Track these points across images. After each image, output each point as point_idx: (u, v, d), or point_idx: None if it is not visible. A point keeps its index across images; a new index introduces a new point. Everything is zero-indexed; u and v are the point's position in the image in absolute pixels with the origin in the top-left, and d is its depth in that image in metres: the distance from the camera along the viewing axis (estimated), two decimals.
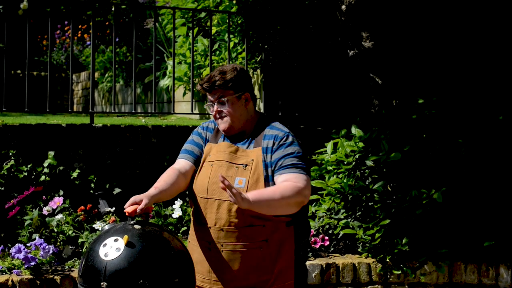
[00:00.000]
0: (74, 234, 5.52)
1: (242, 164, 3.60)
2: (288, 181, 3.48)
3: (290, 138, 3.62)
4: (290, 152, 3.57)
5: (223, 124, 3.69)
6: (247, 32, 7.50)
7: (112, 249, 3.12)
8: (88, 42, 14.95)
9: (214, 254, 3.58)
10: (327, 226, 5.92)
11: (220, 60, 8.21)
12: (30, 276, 4.88)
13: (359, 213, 5.78)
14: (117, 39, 12.07)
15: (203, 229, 3.62)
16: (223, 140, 3.74)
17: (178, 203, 5.89)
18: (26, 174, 6.06)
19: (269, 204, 3.40)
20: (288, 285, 3.64)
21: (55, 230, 5.47)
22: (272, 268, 3.58)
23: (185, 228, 5.85)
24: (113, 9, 8.48)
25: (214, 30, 8.39)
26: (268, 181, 3.55)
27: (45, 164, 6.14)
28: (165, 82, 9.53)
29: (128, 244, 3.11)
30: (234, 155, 3.64)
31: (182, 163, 3.73)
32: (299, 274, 3.74)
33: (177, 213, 5.85)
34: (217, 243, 3.56)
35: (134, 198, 3.35)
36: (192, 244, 3.72)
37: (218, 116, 3.70)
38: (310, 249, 5.68)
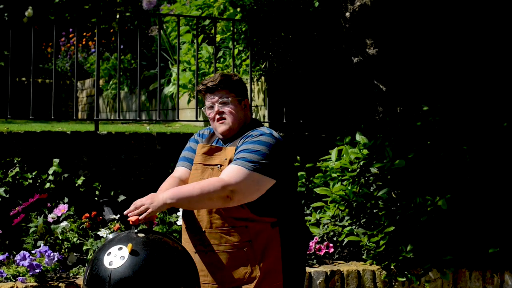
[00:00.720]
0: (79, 241, 5.53)
1: (216, 165, 3.60)
2: (224, 172, 3.47)
3: (261, 137, 3.56)
4: (249, 148, 3.52)
5: (222, 126, 3.69)
6: (252, 39, 7.51)
7: (116, 258, 3.13)
8: (93, 50, 14.98)
9: (200, 257, 3.60)
10: (332, 233, 5.93)
11: (225, 67, 8.22)
12: (35, 284, 4.88)
13: (364, 220, 5.78)
14: (121, 47, 12.09)
15: (188, 233, 3.67)
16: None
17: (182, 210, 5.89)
18: (31, 181, 6.07)
19: (189, 200, 3.41)
20: (276, 286, 3.61)
21: (60, 238, 5.48)
22: (257, 269, 3.56)
23: None
24: (117, 16, 8.49)
25: (218, 37, 8.41)
26: None
27: (50, 172, 6.15)
28: (169, 89, 9.54)
29: (132, 253, 3.12)
30: (207, 157, 3.65)
31: (181, 170, 3.76)
32: (296, 278, 3.72)
33: (181, 221, 5.85)
34: (200, 245, 3.59)
35: (135, 203, 3.38)
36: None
37: (218, 117, 3.69)
38: (314, 257, 5.69)
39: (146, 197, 3.41)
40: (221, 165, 3.58)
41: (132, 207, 3.40)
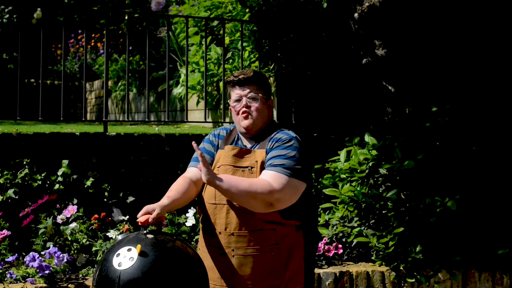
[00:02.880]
0: (88, 242, 5.53)
1: (247, 167, 3.59)
2: (267, 178, 3.46)
3: (292, 142, 3.58)
4: (284, 154, 3.53)
5: (246, 121, 3.68)
6: (260, 40, 7.51)
7: (125, 259, 3.13)
8: (102, 51, 15.01)
9: (225, 260, 3.58)
10: (341, 234, 5.92)
11: (233, 68, 8.22)
12: (44, 285, 4.89)
13: (373, 221, 5.77)
14: (130, 48, 12.09)
15: (213, 235, 3.62)
16: (235, 145, 3.74)
17: (191, 212, 5.89)
18: (40, 182, 6.08)
19: (234, 187, 3.39)
20: None
21: (69, 239, 5.49)
22: (283, 272, 3.58)
23: (198, 236, 5.85)
24: (126, 18, 8.50)
25: (227, 38, 8.41)
26: None
27: (59, 173, 6.16)
28: (178, 90, 9.54)
29: (141, 254, 3.12)
30: (238, 159, 3.63)
31: (193, 171, 3.72)
32: (308, 280, 3.74)
33: (190, 222, 5.85)
34: (227, 248, 3.56)
35: (146, 208, 3.36)
36: (202, 251, 3.71)
37: (244, 110, 3.68)
38: (323, 257, 5.68)
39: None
40: (251, 167, 3.58)
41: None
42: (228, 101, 3.82)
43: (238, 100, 3.72)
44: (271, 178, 3.44)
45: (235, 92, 3.73)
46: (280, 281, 3.58)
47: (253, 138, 3.73)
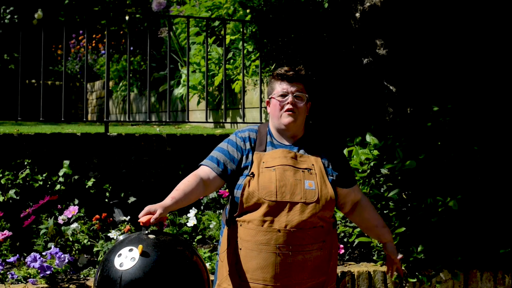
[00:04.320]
0: (89, 243, 5.53)
1: (306, 169, 3.65)
2: (362, 198, 3.98)
3: (341, 151, 3.94)
4: (349, 166, 3.93)
5: (289, 118, 3.70)
6: (261, 40, 7.51)
7: (127, 259, 3.12)
8: (103, 51, 15.02)
9: (283, 258, 3.55)
10: (342, 234, 5.91)
11: (234, 68, 8.22)
12: (46, 285, 4.89)
13: None
14: (131, 48, 12.11)
15: (269, 233, 3.56)
16: (272, 148, 3.74)
17: (193, 212, 5.88)
18: (41, 183, 6.08)
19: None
20: (332, 286, 3.74)
21: (70, 239, 5.49)
22: (327, 269, 3.65)
23: (200, 236, 5.85)
24: (127, 18, 8.48)
25: (228, 38, 8.41)
26: (332, 184, 3.70)
27: (60, 173, 6.16)
28: (179, 90, 9.55)
29: (143, 254, 3.12)
30: (295, 160, 3.67)
31: (206, 171, 3.68)
32: None
33: (192, 222, 5.85)
34: (285, 246, 3.54)
35: (148, 208, 3.34)
36: (248, 251, 3.61)
37: (289, 107, 3.69)
38: None
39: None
40: (310, 169, 3.66)
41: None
42: (272, 94, 3.79)
43: (283, 95, 3.72)
44: (359, 193, 3.97)
45: (282, 87, 3.73)
46: (324, 278, 3.64)
47: (292, 138, 3.79)
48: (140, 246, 3.14)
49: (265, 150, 3.72)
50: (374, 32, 6.91)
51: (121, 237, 3.35)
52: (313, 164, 3.66)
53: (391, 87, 6.95)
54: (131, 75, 11.80)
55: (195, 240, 5.84)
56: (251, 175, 3.62)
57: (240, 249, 3.65)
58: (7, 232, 5.48)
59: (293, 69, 3.72)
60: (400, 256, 4.05)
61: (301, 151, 3.73)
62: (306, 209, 3.54)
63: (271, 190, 3.57)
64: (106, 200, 6.28)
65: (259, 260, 3.56)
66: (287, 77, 3.70)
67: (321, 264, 3.61)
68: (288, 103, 3.69)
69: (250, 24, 7.95)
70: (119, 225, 5.74)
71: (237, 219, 3.68)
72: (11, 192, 5.91)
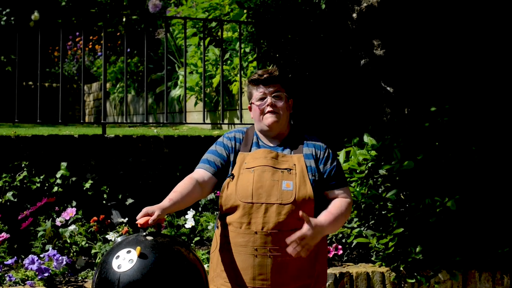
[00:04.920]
0: (87, 245, 5.53)
1: (286, 169, 3.61)
2: (342, 197, 3.71)
3: (330, 149, 3.77)
4: (335, 165, 3.73)
5: (271, 118, 3.69)
6: (258, 41, 7.50)
7: (125, 261, 3.12)
8: (100, 53, 15.02)
9: (261, 260, 3.55)
10: (340, 235, 5.91)
11: (231, 69, 8.22)
12: None
13: (372, 221, 5.76)
14: (128, 50, 12.10)
15: (247, 236, 3.57)
16: (256, 148, 3.74)
17: (191, 213, 5.88)
18: (39, 185, 6.07)
19: (338, 227, 3.66)
20: None
21: (68, 241, 5.48)
22: (312, 271, 3.61)
23: (198, 238, 5.85)
24: (124, 19, 8.48)
25: (225, 36, 8.40)
26: (314, 184, 3.61)
27: (58, 175, 6.16)
28: (176, 92, 9.54)
29: (141, 256, 3.11)
30: (275, 160, 3.64)
31: (201, 173, 3.69)
32: None
33: (190, 223, 5.84)
34: (263, 248, 3.53)
35: (146, 210, 3.34)
36: (229, 254, 3.65)
37: (269, 109, 3.69)
38: None
39: (308, 230, 3.48)
40: (290, 169, 3.62)
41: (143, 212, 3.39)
42: (252, 99, 3.80)
43: (262, 99, 3.73)
44: (344, 193, 3.73)
45: (259, 91, 3.74)
46: (310, 281, 3.61)
47: (277, 138, 3.77)
48: (138, 248, 3.13)
49: (250, 151, 3.73)
50: (371, 33, 6.91)
51: (119, 239, 3.34)
52: (294, 164, 3.63)
53: (388, 88, 6.95)
54: (128, 76, 11.80)
55: (193, 241, 5.84)
56: (231, 177, 3.64)
57: (224, 250, 3.69)
58: (4, 234, 5.48)
59: (267, 71, 3.72)
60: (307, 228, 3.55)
61: (285, 151, 3.71)
62: (282, 210, 3.52)
63: (248, 192, 3.57)
64: (104, 202, 6.27)
65: (239, 261, 3.59)
66: (262, 80, 3.71)
67: (305, 267, 3.58)
68: (267, 105, 3.70)
69: (247, 25, 7.95)
70: (117, 227, 5.74)
71: (220, 220, 3.72)
72: (9, 194, 5.91)
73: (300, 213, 3.42)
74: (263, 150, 3.69)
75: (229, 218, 3.64)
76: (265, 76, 3.70)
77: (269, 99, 3.70)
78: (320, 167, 3.68)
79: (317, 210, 3.59)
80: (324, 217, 3.53)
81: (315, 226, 3.43)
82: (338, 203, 3.64)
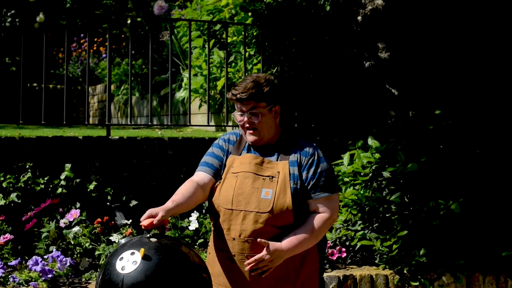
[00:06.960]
0: (91, 246, 5.53)
1: (268, 176, 3.59)
2: (321, 211, 3.60)
3: (318, 154, 3.66)
4: (320, 172, 3.62)
5: (252, 136, 3.67)
6: (263, 43, 7.50)
7: (129, 263, 3.11)
8: (104, 55, 15.03)
9: (238, 266, 3.56)
10: (344, 238, 5.91)
11: (236, 72, 8.22)
12: None
13: (376, 224, 5.76)
14: (132, 52, 12.10)
15: (226, 241, 3.59)
16: (247, 152, 3.72)
17: (194, 215, 5.88)
18: (43, 186, 6.07)
19: (305, 247, 3.57)
20: None
21: (72, 243, 5.48)
22: (295, 278, 3.59)
23: (202, 240, 5.85)
24: (129, 21, 8.50)
25: (230, 39, 8.40)
26: (295, 193, 3.56)
27: (62, 177, 6.16)
28: (181, 94, 9.54)
29: (144, 257, 3.11)
30: (259, 167, 3.62)
31: (200, 175, 3.70)
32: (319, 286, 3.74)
33: (193, 225, 5.84)
34: (241, 254, 3.54)
35: (150, 211, 3.34)
36: (213, 256, 3.70)
37: (247, 126, 3.67)
38: (327, 261, 5.67)
39: (266, 255, 3.47)
40: (272, 177, 3.59)
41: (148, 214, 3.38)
42: (233, 113, 3.79)
43: (241, 115, 3.70)
44: (323, 208, 3.61)
45: (237, 107, 3.71)
46: (291, 286, 3.58)
47: (265, 146, 3.72)
48: (142, 250, 3.13)
49: (240, 154, 3.73)
50: (376, 36, 6.91)
51: (122, 241, 3.34)
52: (278, 172, 3.59)
53: (393, 90, 6.94)
54: (132, 78, 11.80)
55: (197, 243, 5.84)
56: (219, 181, 3.67)
57: (209, 253, 3.75)
58: (8, 236, 5.48)
59: (242, 88, 3.65)
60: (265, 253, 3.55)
61: (273, 157, 3.67)
62: (259, 218, 3.51)
63: (228, 198, 3.58)
64: (108, 203, 6.27)
65: (218, 266, 3.63)
66: (239, 99, 3.66)
67: (287, 272, 3.57)
68: (245, 122, 3.67)
69: (251, 28, 7.95)
70: (121, 229, 5.74)
71: (211, 224, 3.75)
72: (13, 196, 5.91)
73: (258, 239, 3.42)
74: (249, 155, 3.68)
75: (213, 223, 3.69)
76: (239, 95, 3.64)
77: (245, 117, 3.66)
78: (303, 174, 3.61)
79: (298, 219, 3.56)
80: (288, 241, 3.49)
81: (274, 251, 3.44)
82: (311, 223, 3.57)
